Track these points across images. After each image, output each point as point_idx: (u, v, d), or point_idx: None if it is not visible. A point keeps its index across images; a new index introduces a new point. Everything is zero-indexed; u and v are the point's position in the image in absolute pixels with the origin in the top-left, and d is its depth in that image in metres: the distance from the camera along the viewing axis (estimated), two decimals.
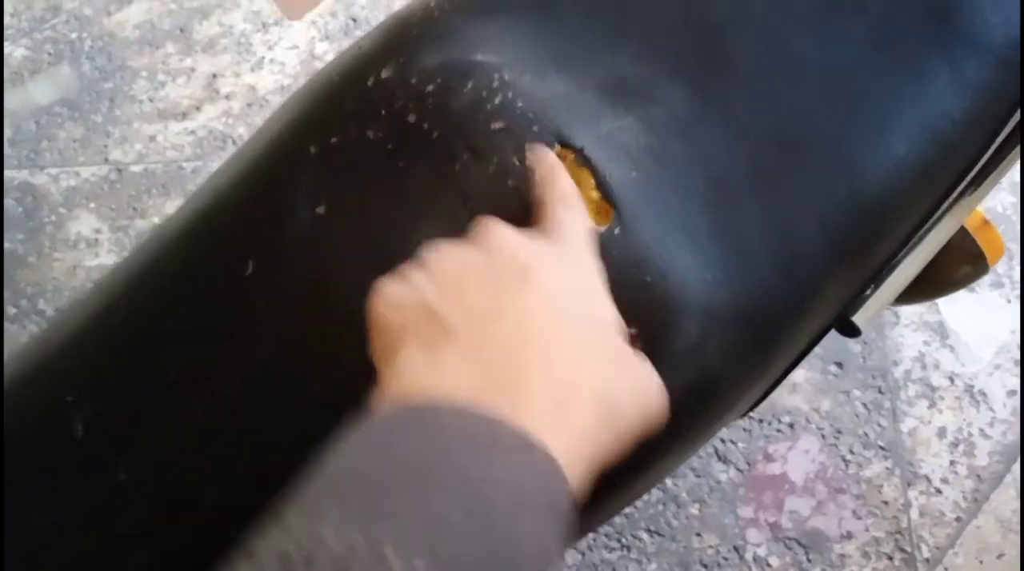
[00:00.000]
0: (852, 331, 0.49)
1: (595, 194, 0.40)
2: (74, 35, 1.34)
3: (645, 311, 0.39)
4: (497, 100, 0.40)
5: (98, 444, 0.39)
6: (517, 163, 0.40)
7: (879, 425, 1.12)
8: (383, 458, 0.27)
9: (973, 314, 1.19)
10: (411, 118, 0.40)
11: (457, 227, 0.39)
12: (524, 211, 0.39)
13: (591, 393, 0.31)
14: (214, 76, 1.31)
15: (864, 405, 1.13)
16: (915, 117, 0.45)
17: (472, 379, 0.29)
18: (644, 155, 0.41)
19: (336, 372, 0.39)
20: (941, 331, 1.18)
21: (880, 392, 1.13)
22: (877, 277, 0.48)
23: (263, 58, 1.32)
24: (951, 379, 1.15)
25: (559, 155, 0.41)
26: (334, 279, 0.39)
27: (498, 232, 0.36)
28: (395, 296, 0.34)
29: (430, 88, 0.40)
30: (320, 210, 0.40)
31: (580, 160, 0.40)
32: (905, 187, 0.44)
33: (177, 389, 0.39)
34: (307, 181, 0.40)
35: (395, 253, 0.39)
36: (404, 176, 0.40)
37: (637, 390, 0.34)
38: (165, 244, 0.42)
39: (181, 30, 1.34)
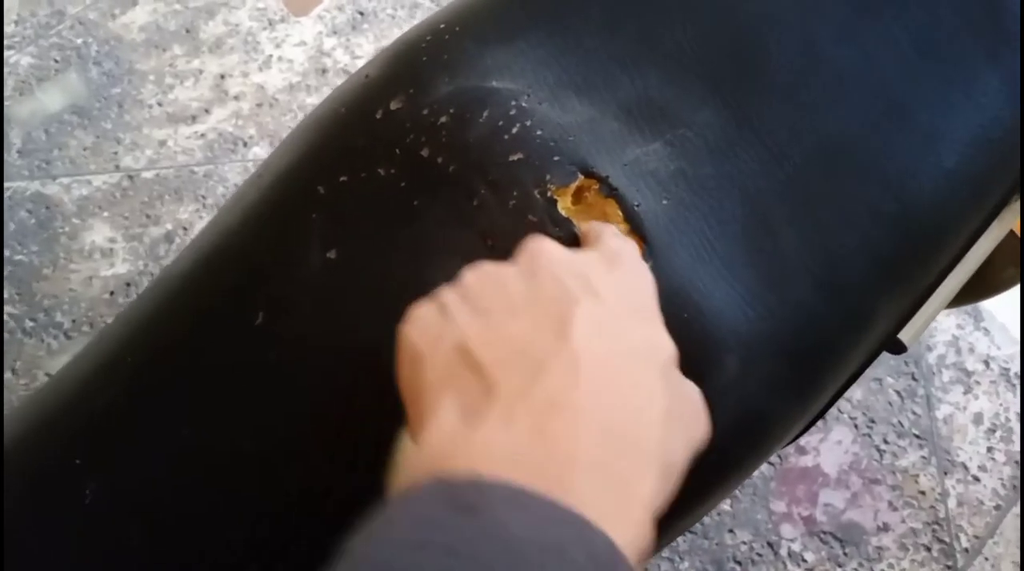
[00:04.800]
0: (898, 348, 0.47)
1: (623, 226, 0.38)
2: (80, 40, 1.32)
3: (681, 348, 0.36)
4: (515, 130, 0.38)
5: (109, 509, 0.37)
6: (538, 197, 0.37)
7: (913, 413, 1.09)
8: (428, 538, 0.24)
9: (1007, 294, 1.16)
10: (424, 152, 0.38)
11: None
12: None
13: (646, 456, 0.28)
14: (222, 77, 1.28)
15: (897, 393, 1.10)
16: (964, 126, 0.41)
17: (516, 453, 0.26)
18: (674, 181, 0.38)
19: (353, 422, 0.37)
20: (975, 313, 1.15)
21: (913, 379, 1.11)
22: (927, 295, 0.45)
23: (271, 56, 1.29)
24: (986, 363, 1.12)
25: (582, 186, 0.38)
26: (348, 327, 0.37)
27: (543, 251, 0.33)
28: (429, 326, 0.31)
29: (443, 119, 0.38)
30: (331, 254, 0.37)
31: (605, 190, 0.38)
32: (957, 201, 0.42)
33: (190, 447, 0.37)
34: (316, 224, 0.38)
35: (412, 298, 0.37)
36: (419, 215, 0.37)
37: (688, 427, 0.32)
38: (170, 292, 0.40)
39: (187, 31, 1.32)
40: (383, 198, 0.38)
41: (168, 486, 0.37)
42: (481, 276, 0.33)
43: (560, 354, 0.29)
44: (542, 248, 0.33)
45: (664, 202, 0.38)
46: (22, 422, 0.41)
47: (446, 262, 0.37)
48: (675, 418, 0.30)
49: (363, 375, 0.37)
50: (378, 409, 0.36)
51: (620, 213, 0.38)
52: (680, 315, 0.37)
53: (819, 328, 0.39)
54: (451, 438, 0.27)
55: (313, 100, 1.27)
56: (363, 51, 1.30)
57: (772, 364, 0.37)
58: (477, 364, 0.29)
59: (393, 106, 0.38)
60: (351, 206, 0.38)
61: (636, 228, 0.37)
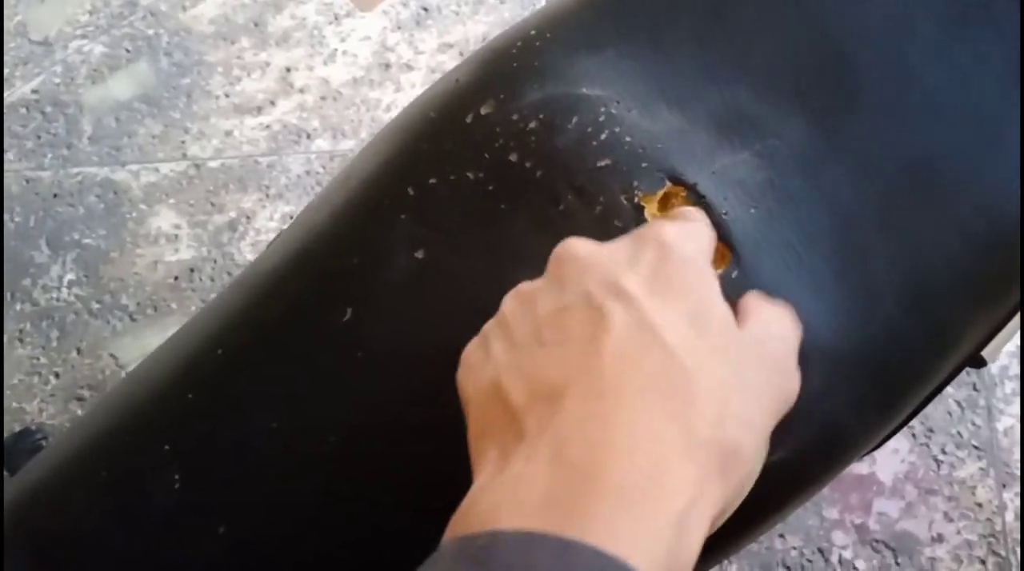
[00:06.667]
0: (978, 363, 0.46)
1: None
2: (151, 31, 1.35)
3: None
4: (603, 136, 0.38)
5: (197, 496, 0.38)
6: (625, 203, 0.37)
7: (973, 424, 1.07)
8: None
9: None
10: (512, 157, 0.38)
11: None
12: None
13: (682, 465, 0.25)
14: (288, 70, 1.30)
15: (957, 403, 1.08)
16: None
17: (534, 491, 0.25)
18: (763, 192, 0.38)
19: (436, 421, 0.38)
20: None
21: (975, 389, 1.08)
22: (1013, 313, 0.44)
23: (336, 50, 1.31)
24: None
25: (669, 193, 0.38)
26: (433, 327, 0.38)
27: (566, 256, 0.31)
28: (474, 367, 0.31)
29: (532, 125, 0.38)
30: (419, 255, 0.38)
31: (693, 198, 0.38)
32: None
33: (277, 439, 0.38)
34: (405, 224, 0.38)
35: (496, 300, 0.38)
36: (505, 219, 0.38)
37: (763, 392, 0.29)
38: (260, 286, 0.41)
39: (255, 24, 1.34)
40: (471, 201, 0.38)
41: (254, 479, 0.38)
42: (515, 300, 0.32)
43: (581, 379, 0.27)
44: (566, 252, 0.32)
45: (752, 211, 0.38)
46: (110, 410, 0.43)
47: (530, 266, 0.38)
48: (740, 390, 0.28)
49: (447, 375, 0.37)
50: (457, 406, 0.37)
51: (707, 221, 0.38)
52: None
53: (905, 346, 0.38)
54: (482, 489, 0.27)
55: (376, 94, 1.28)
56: (426, 46, 1.31)
57: (857, 381, 0.37)
58: (508, 404, 0.28)
59: (483, 111, 0.39)
60: (440, 208, 0.38)
61: (723, 237, 0.37)
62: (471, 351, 0.32)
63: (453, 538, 0.25)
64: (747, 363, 0.29)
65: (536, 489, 0.25)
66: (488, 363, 0.30)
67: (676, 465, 0.26)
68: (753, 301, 0.32)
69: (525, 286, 0.33)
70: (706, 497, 0.26)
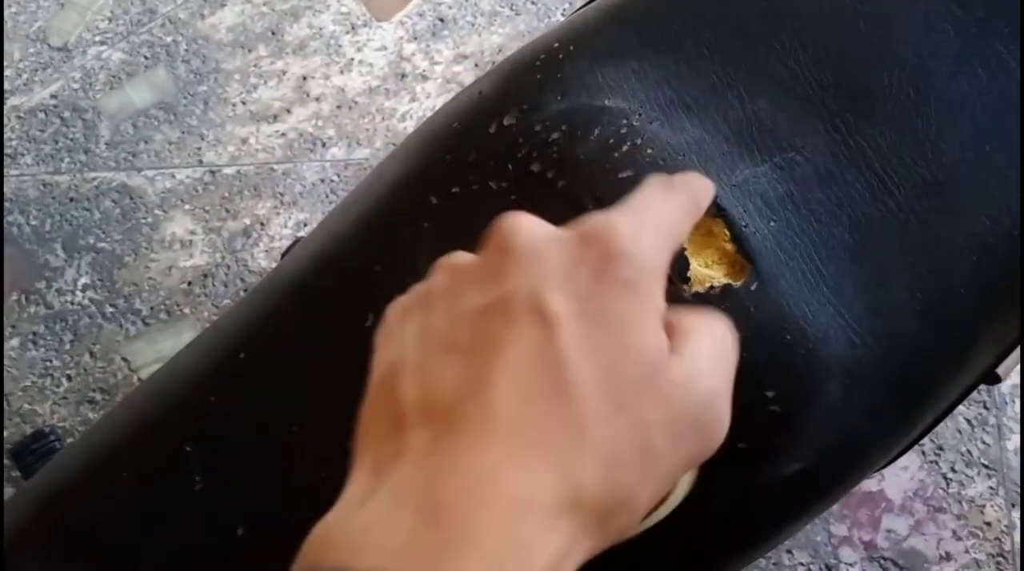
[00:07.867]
0: (993, 379, 0.46)
1: (730, 246, 0.38)
2: (169, 39, 1.37)
3: (783, 373, 0.36)
4: (625, 148, 0.38)
5: (217, 498, 0.38)
6: None
7: (983, 442, 1.07)
8: None
9: None
10: (535, 167, 0.39)
11: None
12: None
13: (559, 527, 0.23)
14: (304, 78, 1.31)
15: (968, 421, 1.08)
16: None
17: (401, 539, 0.22)
18: (783, 204, 0.38)
19: None
20: None
21: (985, 408, 1.08)
22: None
23: (352, 59, 1.32)
24: None
25: None
26: None
27: (511, 245, 0.27)
28: (391, 337, 0.27)
29: (555, 136, 0.39)
30: None
31: (713, 210, 0.38)
32: None
33: (300, 442, 0.38)
34: (428, 233, 0.39)
35: None
36: None
37: (677, 450, 0.25)
38: (283, 292, 0.42)
39: (272, 32, 1.35)
40: (493, 210, 0.38)
41: (275, 482, 0.38)
42: (445, 275, 0.28)
43: (469, 404, 0.24)
44: (510, 236, 0.28)
45: (772, 224, 0.38)
46: (133, 410, 0.43)
47: None
48: (642, 452, 0.24)
49: None
50: None
51: (727, 233, 0.38)
52: (783, 338, 0.37)
53: (924, 359, 0.39)
54: (343, 519, 0.24)
55: (392, 104, 1.29)
56: (442, 57, 1.32)
57: (875, 393, 0.37)
58: (399, 409, 0.25)
59: (506, 122, 0.39)
60: (462, 217, 0.39)
61: (743, 249, 0.38)
62: (395, 312, 0.29)
63: (304, 566, 0.23)
64: (661, 419, 0.25)
65: (397, 533, 0.22)
66: (400, 340, 0.27)
67: (548, 523, 0.23)
68: (687, 325, 0.27)
69: (460, 260, 0.29)
70: (578, 548, 0.24)
